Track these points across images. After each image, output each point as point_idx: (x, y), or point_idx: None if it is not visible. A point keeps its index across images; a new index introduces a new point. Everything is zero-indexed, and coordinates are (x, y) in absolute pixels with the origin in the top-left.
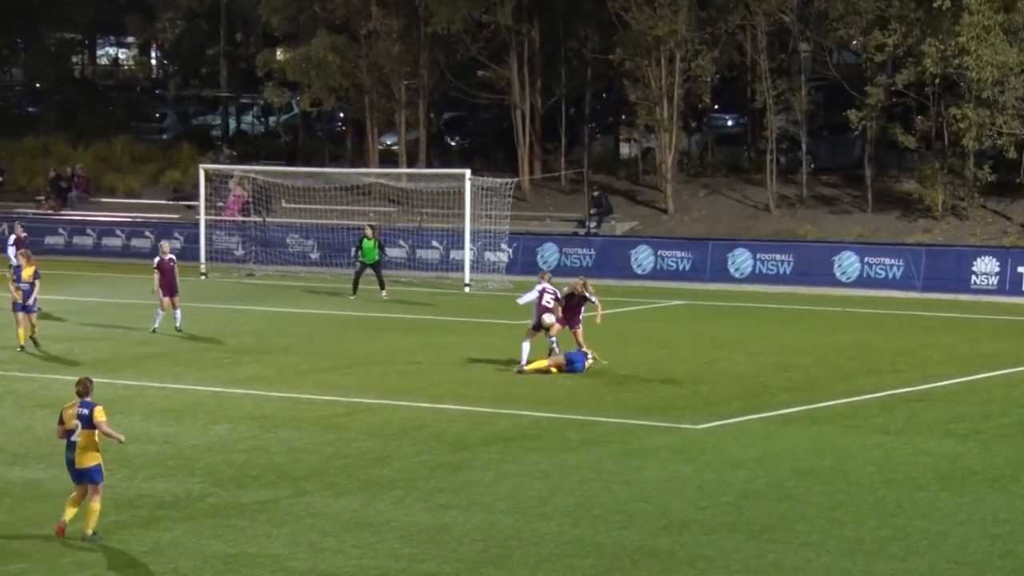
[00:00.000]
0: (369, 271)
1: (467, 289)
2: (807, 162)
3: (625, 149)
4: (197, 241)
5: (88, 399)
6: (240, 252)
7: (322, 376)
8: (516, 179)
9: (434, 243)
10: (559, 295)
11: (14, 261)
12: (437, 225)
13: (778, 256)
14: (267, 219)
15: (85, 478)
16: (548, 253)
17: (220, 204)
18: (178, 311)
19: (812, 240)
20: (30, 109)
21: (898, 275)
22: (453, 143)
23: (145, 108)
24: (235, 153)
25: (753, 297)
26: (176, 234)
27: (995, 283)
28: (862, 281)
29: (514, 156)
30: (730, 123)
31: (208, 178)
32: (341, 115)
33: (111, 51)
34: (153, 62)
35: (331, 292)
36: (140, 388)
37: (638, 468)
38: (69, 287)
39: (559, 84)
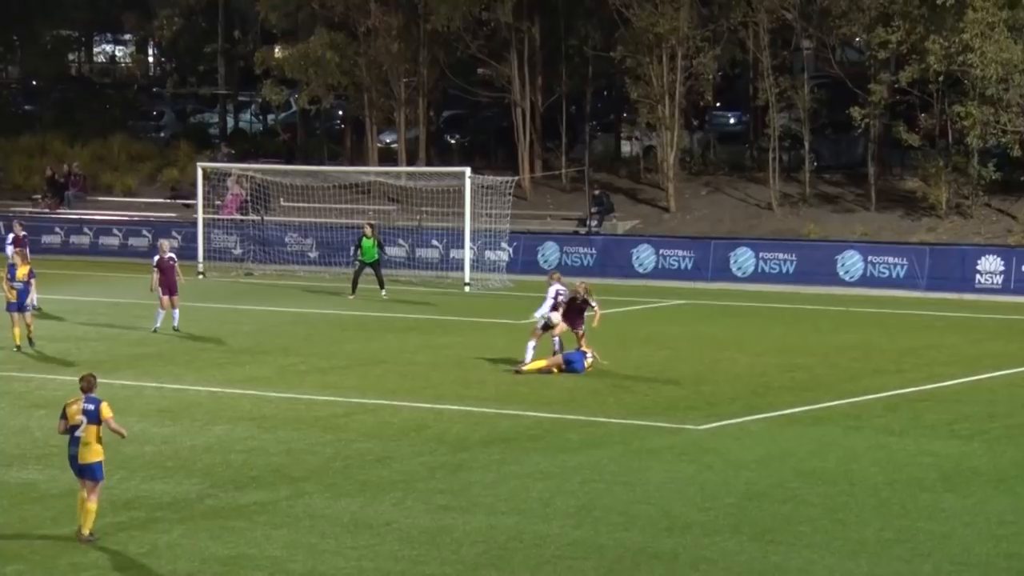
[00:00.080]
0: (368, 270)
1: (467, 288)
2: (810, 160)
3: (626, 147)
4: (195, 240)
5: (93, 395)
6: (238, 251)
7: (321, 376)
8: (516, 177)
9: (434, 242)
10: (567, 294)
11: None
12: (437, 224)
13: (781, 255)
14: (265, 218)
15: (87, 474)
16: (549, 252)
17: (218, 203)
18: (176, 311)
19: (815, 239)
20: (26, 107)
21: (902, 274)
22: (453, 141)
23: (142, 106)
24: (233, 151)
25: (756, 297)
26: (174, 233)
27: (1000, 282)
28: (865, 280)
29: (514, 154)
30: (732, 121)
31: (206, 176)
32: (340, 113)
33: (108, 48)
34: (150, 60)
35: (330, 291)
36: (138, 388)
37: (640, 469)
38: (66, 286)
39: (560, 82)
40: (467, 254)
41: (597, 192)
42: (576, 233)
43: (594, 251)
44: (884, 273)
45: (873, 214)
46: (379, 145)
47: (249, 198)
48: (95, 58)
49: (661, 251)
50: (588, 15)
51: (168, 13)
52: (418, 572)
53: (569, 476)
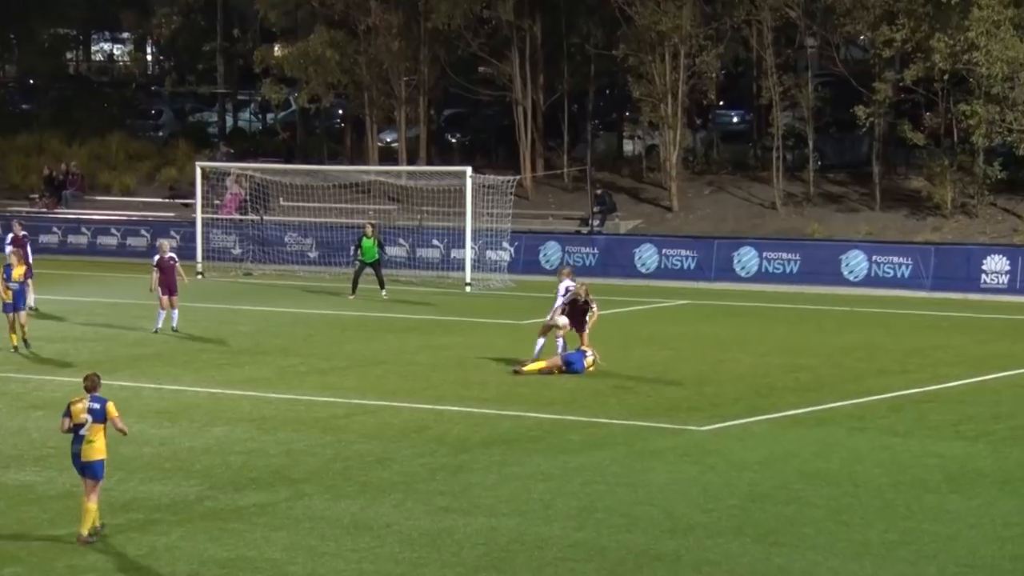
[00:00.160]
0: (369, 270)
1: (468, 289)
2: (814, 159)
3: (629, 146)
4: (194, 240)
5: (97, 394)
6: (237, 251)
7: (321, 377)
8: (518, 177)
9: (435, 242)
10: (573, 293)
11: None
12: (438, 223)
13: (784, 255)
14: (265, 217)
15: (88, 472)
16: (550, 252)
17: (217, 202)
18: (176, 311)
19: (819, 239)
20: (24, 106)
21: (907, 274)
22: (454, 140)
23: (141, 105)
24: (232, 150)
25: (759, 297)
26: (172, 233)
27: (1005, 282)
28: (870, 280)
29: (516, 153)
30: (736, 120)
31: (205, 176)
32: (340, 112)
33: (106, 47)
34: (149, 58)
35: (330, 292)
36: (136, 389)
37: (642, 470)
38: (64, 287)
39: (561, 80)
40: (468, 254)
41: (599, 191)
42: (578, 233)
43: (596, 251)
44: (889, 273)
45: (878, 213)
46: (379, 144)
47: (248, 197)
48: (93, 56)
49: (664, 251)
50: (590, 13)
51: (166, 11)
52: (418, 574)
53: (571, 477)
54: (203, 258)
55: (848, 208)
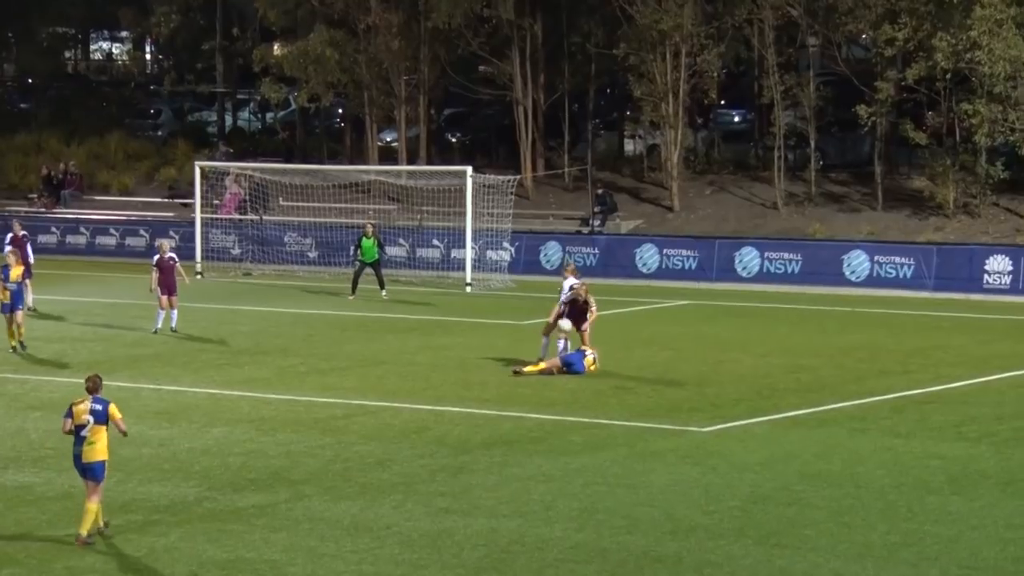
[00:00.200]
0: (369, 270)
1: (469, 289)
2: (816, 159)
3: (630, 146)
4: (193, 240)
5: (99, 395)
6: (237, 251)
7: (321, 378)
8: (518, 176)
9: (435, 242)
10: (573, 293)
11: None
12: (438, 223)
13: (786, 255)
14: (264, 217)
15: (89, 474)
16: (551, 252)
17: (216, 202)
18: (175, 311)
19: (821, 239)
20: (22, 105)
21: (909, 274)
22: (454, 140)
23: (139, 104)
24: (231, 150)
25: (760, 297)
26: (171, 232)
27: (1008, 282)
28: (872, 280)
29: (516, 153)
30: (737, 119)
31: (204, 175)
32: (339, 111)
33: (105, 46)
34: (148, 57)
35: (330, 292)
36: (135, 390)
37: (643, 472)
38: (62, 287)
39: (562, 79)
40: (468, 254)
41: (600, 191)
42: (579, 233)
43: (597, 251)
44: (891, 273)
45: (880, 213)
46: (379, 144)
47: (248, 197)
48: (91, 55)
49: (665, 251)
50: (591, 12)
51: (165, 10)
52: None
53: (572, 479)
54: (202, 258)
55: (850, 208)
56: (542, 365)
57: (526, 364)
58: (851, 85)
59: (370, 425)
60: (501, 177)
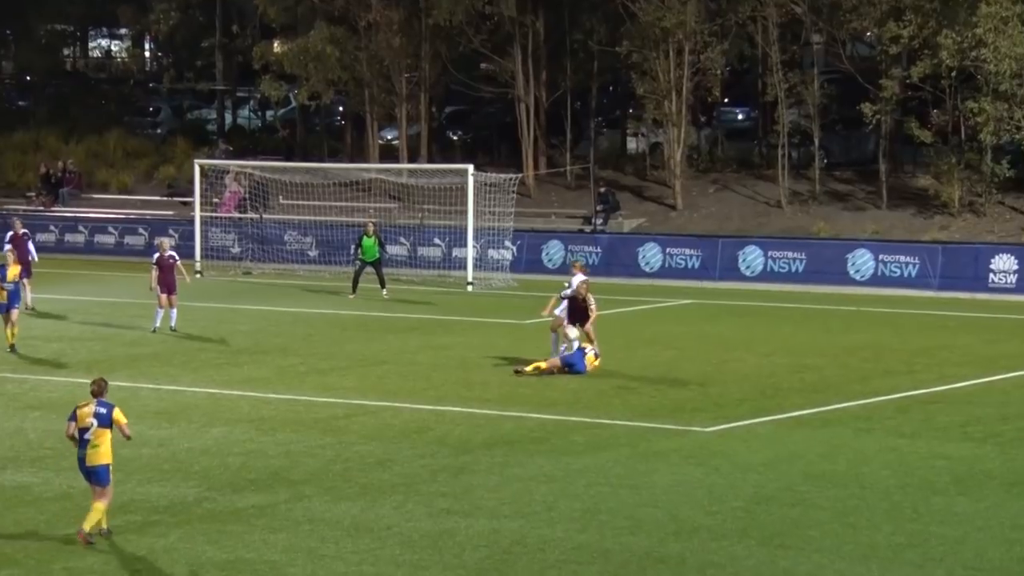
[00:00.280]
0: (369, 269)
1: (470, 288)
2: (820, 157)
3: (632, 144)
4: (192, 238)
5: (104, 398)
6: (236, 250)
7: (321, 377)
8: (520, 175)
9: (436, 240)
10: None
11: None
12: (439, 222)
13: (790, 254)
14: (264, 216)
15: (93, 478)
16: (553, 251)
17: (216, 200)
18: (174, 310)
19: (825, 237)
20: (20, 103)
21: (914, 273)
22: (455, 138)
23: (138, 102)
24: (231, 148)
25: (764, 296)
26: (171, 231)
27: (1013, 281)
28: (876, 280)
29: (518, 151)
30: (740, 117)
31: (203, 174)
32: (340, 109)
33: (103, 43)
34: (147, 54)
35: (330, 291)
36: (134, 390)
37: (646, 472)
38: (61, 286)
39: (564, 77)
40: (470, 253)
41: (603, 190)
42: (581, 231)
43: (599, 250)
44: (895, 272)
45: (884, 212)
46: (380, 142)
47: (247, 196)
48: (90, 53)
49: (668, 250)
50: (593, 9)
51: (164, 7)
52: None
53: (574, 479)
54: (202, 257)
55: (854, 207)
56: (543, 365)
57: (528, 364)
58: (855, 83)
59: (370, 425)
60: (503, 175)
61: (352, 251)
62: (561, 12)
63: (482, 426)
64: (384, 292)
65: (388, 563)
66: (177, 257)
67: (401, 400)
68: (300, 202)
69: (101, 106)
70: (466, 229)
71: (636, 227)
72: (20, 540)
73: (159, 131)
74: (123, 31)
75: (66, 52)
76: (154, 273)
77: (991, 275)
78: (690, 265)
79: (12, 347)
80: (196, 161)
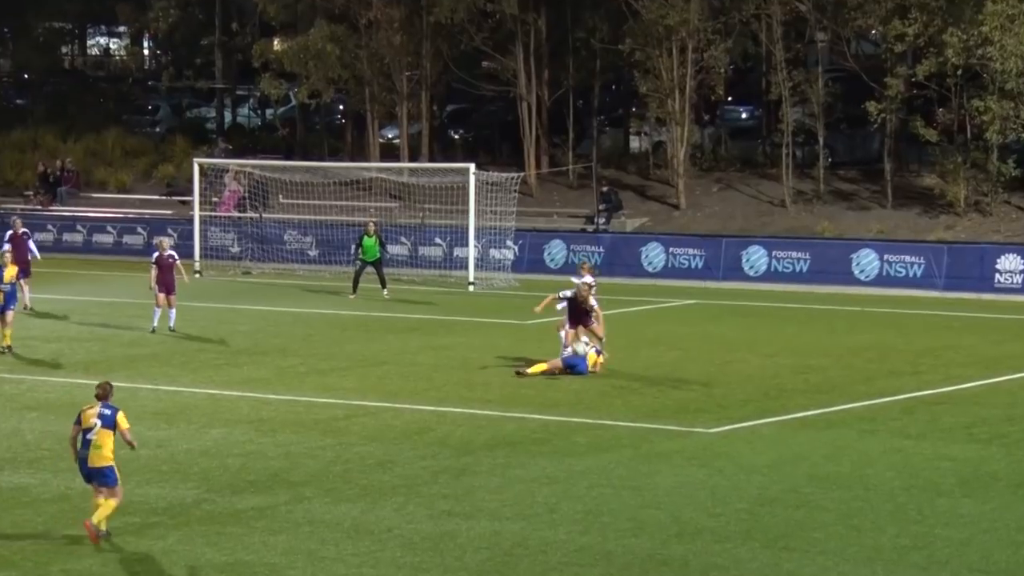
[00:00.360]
0: (370, 269)
1: (471, 288)
2: (824, 156)
3: (635, 143)
4: (191, 238)
5: (109, 402)
6: (236, 249)
7: (321, 378)
8: (522, 174)
9: (437, 240)
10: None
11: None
12: (440, 221)
13: (794, 254)
14: (264, 215)
15: (98, 478)
16: (555, 250)
17: (215, 199)
18: (173, 310)
19: (829, 237)
20: (18, 101)
21: (919, 273)
22: (457, 136)
23: (137, 100)
24: (231, 147)
25: (768, 296)
26: (170, 231)
27: (1020, 281)
28: (881, 280)
29: (520, 150)
30: (744, 116)
31: (203, 173)
32: (340, 107)
33: (102, 41)
34: (146, 52)
35: (330, 291)
36: (132, 390)
37: (649, 474)
38: (59, 285)
39: (567, 75)
40: (471, 252)
41: (605, 189)
42: (583, 231)
43: (602, 249)
44: (900, 272)
45: (889, 211)
46: (381, 140)
47: (247, 195)
48: (88, 51)
49: (671, 249)
50: (595, 6)
51: (164, 4)
52: None
53: (576, 480)
54: (201, 256)
55: (859, 206)
56: (545, 366)
57: (530, 365)
58: (860, 81)
59: (371, 426)
60: (504, 174)
61: (352, 251)
62: (563, 9)
63: (484, 427)
64: (385, 292)
65: (389, 565)
66: (176, 257)
67: (402, 401)
68: (300, 201)
69: (99, 104)
70: (467, 229)
71: (639, 227)
72: (17, 542)
73: (158, 130)
74: (122, 29)
75: (64, 50)
76: (153, 272)
77: (997, 275)
78: (693, 265)
79: (9, 348)
80: (195, 160)
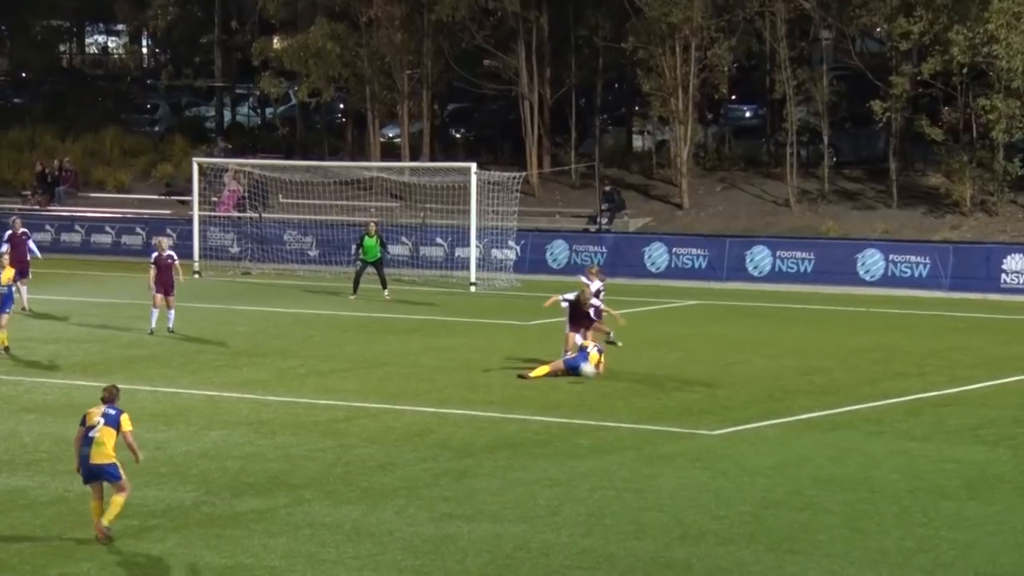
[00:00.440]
0: (371, 269)
1: (473, 288)
2: (829, 155)
3: (638, 142)
4: (190, 238)
5: (115, 404)
6: (235, 249)
7: (321, 379)
8: (524, 173)
9: (438, 240)
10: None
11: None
12: (441, 221)
13: (798, 254)
14: (264, 215)
15: (99, 475)
16: (558, 251)
17: (214, 199)
18: (172, 311)
19: (834, 237)
20: (16, 100)
21: (924, 274)
22: (458, 135)
23: (136, 99)
24: (230, 146)
25: (772, 297)
26: (168, 231)
27: None
28: (887, 280)
29: (522, 149)
30: (748, 114)
31: (202, 172)
32: (341, 106)
33: (100, 39)
34: (144, 51)
35: (331, 292)
36: (131, 392)
37: (652, 476)
38: (57, 286)
39: (569, 74)
40: (473, 253)
41: (608, 188)
42: (586, 231)
43: (605, 249)
44: (906, 272)
45: (894, 211)
46: (381, 139)
47: (247, 194)
48: (87, 49)
49: (674, 249)
50: (598, 4)
51: (162, 2)
52: None
53: (578, 483)
54: (200, 257)
55: (864, 206)
56: (547, 368)
57: (532, 368)
58: (865, 80)
59: (372, 428)
60: (506, 174)
61: (353, 251)
62: (565, 7)
63: (485, 429)
64: (386, 293)
65: (390, 568)
66: (175, 257)
67: (403, 403)
68: (300, 201)
69: (98, 103)
70: (469, 228)
71: (642, 226)
72: (15, 544)
73: (157, 129)
74: (120, 27)
75: (62, 48)
76: (152, 273)
77: (1003, 275)
78: (697, 265)
79: (6, 349)
80: (194, 159)
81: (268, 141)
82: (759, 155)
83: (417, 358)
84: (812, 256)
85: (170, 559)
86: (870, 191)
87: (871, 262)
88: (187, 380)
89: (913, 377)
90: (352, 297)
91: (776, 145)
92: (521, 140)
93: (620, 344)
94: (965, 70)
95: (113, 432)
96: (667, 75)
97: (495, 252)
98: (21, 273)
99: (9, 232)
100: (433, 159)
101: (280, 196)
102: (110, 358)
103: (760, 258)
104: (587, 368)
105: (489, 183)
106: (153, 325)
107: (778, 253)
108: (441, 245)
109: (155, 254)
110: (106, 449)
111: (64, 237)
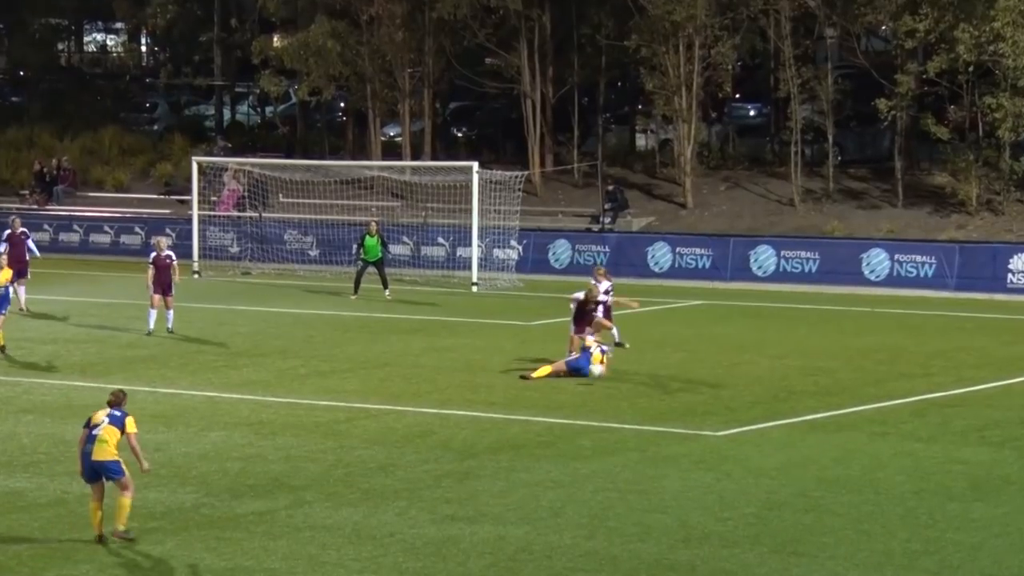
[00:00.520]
0: (372, 269)
1: (475, 288)
2: (834, 154)
3: (641, 141)
4: (190, 237)
5: (121, 408)
6: (235, 249)
7: (322, 380)
8: (526, 172)
9: (440, 240)
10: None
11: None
12: (443, 221)
13: (803, 253)
14: (264, 214)
15: (101, 472)
16: (560, 250)
17: (214, 199)
18: (171, 311)
19: (839, 237)
20: (14, 99)
21: (930, 273)
22: (460, 134)
23: (135, 98)
24: (230, 145)
25: (777, 297)
26: (168, 230)
27: None
28: (892, 280)
29: (524, 148)
30: (752, 113)
31: (201, 171)
32: (341, 105)
33: (99, 37)
34: (143, 49)
35: (331, 292)
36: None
37: (655, 477)
38: (55, 286)
39: (571, 72)
40: (475, 252)
41: (611, 187)
42: (589, 230)
43: (608, 249)
44: (911, 272)
45: (900, 210)
46: (382, 138)
47: (246, 194)
48: (85, 47)
49: (678, 249)
50: (601, 2)
51: (161, 0)
52: None
53: (581, 484)
54: (200, 257)
55: (869, 205)
56: (549, 369)
57: (534, 368)
58: (870, 78)
59: (373, 429)
60: (508, 173)
61: (354, 251)
62: (568, 6)
63: (487, 430)
64: (387, 293)
65: (391, 571)
66: (174, 257)
67: (404, 403)
68: (300, 200)
69: (96, 102)
70: (471, 228)
71: (645, 226)
72: (13, 546)
73: (156, 127)
74: (119, 25)
75: (60, 47)
76: (151, 273)
77: (1010, 275)
78: (700, 265)
79: (2, 349)
80: (194, 158)
81: (268, 140)
82: (763, 154)
83: (418, 358)
84: (817, 256)
85: (170, 561)
86: (875, 190)
87: (876, 262)
88: (187, 381)
89: (918, 378)
90: (353, 297)
91: (780, 144)
92: (523, 139)
93: (628, 346)
94: (971, 68)
95: (117, 432)
96: (670, 73)
97: (497, 252)
98: (19, 273)
99: (8, 232)
100: (434, 158)
101: (280, 195)
102: (109, 359)
103: (764, 258)
104: (595, 369)
105: (491, 182)
106: (151, 326)
107: (782, 253)
108: (443, 245)
109: (153, 254)
110: (108, 446)
111: (62, 237)
